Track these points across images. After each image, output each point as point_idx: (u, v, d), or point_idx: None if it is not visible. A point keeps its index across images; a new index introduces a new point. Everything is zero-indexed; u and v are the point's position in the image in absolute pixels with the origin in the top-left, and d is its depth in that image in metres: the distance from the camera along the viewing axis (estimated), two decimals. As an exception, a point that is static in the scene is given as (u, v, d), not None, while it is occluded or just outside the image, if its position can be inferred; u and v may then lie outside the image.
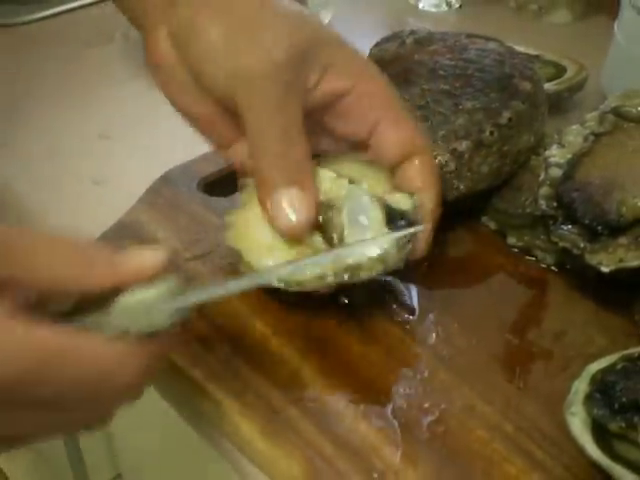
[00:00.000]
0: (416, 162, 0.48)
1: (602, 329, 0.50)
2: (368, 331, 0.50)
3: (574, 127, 0.52)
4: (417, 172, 0.48)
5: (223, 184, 0.63)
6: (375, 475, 0.42)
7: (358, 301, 0.50)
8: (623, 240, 0.47)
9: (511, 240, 0.55)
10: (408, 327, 0.50)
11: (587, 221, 0.48)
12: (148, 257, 0.37)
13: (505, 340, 0.49)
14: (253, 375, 0.47)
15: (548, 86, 0.70)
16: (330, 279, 0.46)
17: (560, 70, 0.74)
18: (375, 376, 0.47)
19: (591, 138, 0.52)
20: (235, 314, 0.51)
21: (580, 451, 0.42)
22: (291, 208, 0.46)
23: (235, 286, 0.40)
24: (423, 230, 0.48)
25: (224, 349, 0.48)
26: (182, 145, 0.70)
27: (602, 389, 0.43)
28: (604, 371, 0.44)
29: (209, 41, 0.45)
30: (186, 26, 0.46)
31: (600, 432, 0.42)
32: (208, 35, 0.45)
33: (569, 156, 0.50)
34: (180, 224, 0.58)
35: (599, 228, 0.47)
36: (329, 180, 0.49)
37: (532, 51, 0.75)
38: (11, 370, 0.32)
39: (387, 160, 0.49)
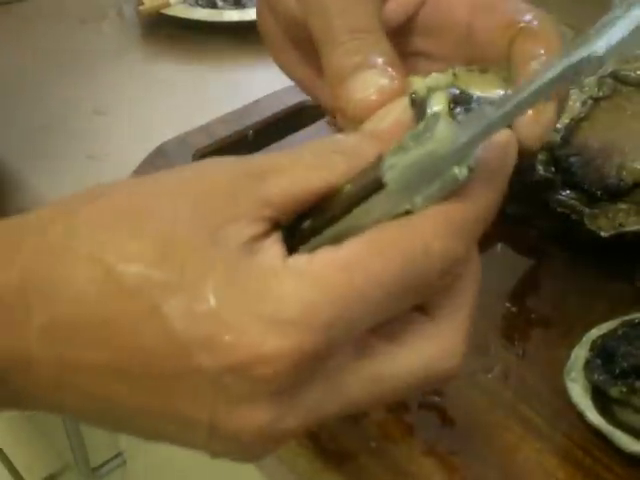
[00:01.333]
0: (528, 37, 0.36)
1: (602, 296, 0.49)
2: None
3: (572, 91, 0.51)
4: (531, 44, 0.35)
5: (218, 156, 0.62)
6: (372, 444, 0.41)
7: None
8: (623, 205, 0.46)
9: (510, 208, 0.55)
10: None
11: (586, 186, 0.47)
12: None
13: (504, 308, 0.49)
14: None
15: None
16: None
17: None
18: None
19: (589, 102, 0.51)
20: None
21: (580, 417, 0.42)
22: (375, 88, 0.35)
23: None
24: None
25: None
26: (178, 119, 0.69)
27: (602, 355, 0.43)
28: (604, 337, 0.44)
29: None
30: None
31: (600, 398, 0.42)
32: None
33: (567, 121, 0.50)
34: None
35: (598, 193, 0.47)
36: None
37: None
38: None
39: (482, 51, 0.38)
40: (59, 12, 0.90)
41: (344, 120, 0.37)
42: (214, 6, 0.85)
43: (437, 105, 0.35)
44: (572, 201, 0.47)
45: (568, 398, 0.42)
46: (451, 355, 0.30)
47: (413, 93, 0.35)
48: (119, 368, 0.26)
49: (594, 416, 0.41)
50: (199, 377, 0.26)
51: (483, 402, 0.44)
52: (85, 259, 0.26)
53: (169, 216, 0.27)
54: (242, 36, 0.83)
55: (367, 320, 0.27)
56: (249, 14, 0.83)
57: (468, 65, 0.39)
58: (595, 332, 0.44)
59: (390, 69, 0.36)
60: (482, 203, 0.29)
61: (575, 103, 0.51)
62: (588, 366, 0.42)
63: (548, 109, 0.34)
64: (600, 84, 0.52)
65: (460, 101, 0.36)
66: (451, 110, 0.35)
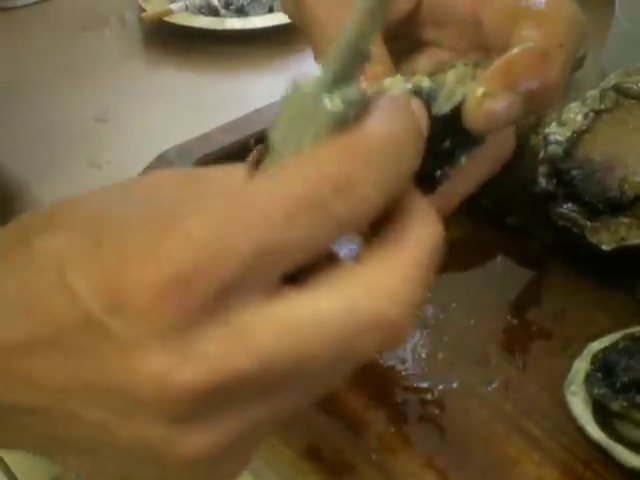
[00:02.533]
0: (532, 18, 0.33)
1: (603, 308, 0.49)
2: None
3: (574, 104, 0.51)
4: (532, 27, 0.32)
5: (219, 165, 0.62)
6: (373, 456, 0.41)
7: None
8: (624, 218, 0.46)
9: (511, 220, 0.55)
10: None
11: (588, 199, 0.47)
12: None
13: (505, 320, 0.49)
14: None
15: None
16: None
17: None
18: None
19: (591, 115, 0.51)
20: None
21: (580, 431, 0.42)
22: None
23: None
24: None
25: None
26: (179, 127, 0.69)
27: (603, 368, 0.43)
28: (605, 350, 0.43)
29: None
30: None
31: (601, 412, 0.42)
32: None
33: (569, 134, 0.50)
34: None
35: (600, 206, 0.47)
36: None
37: None
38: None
39: (491, 40, 0.35)
40: (61, 18, 0.90)
41: None
42: (216, 14, 0.85)
43: None
44: (573, 214, 0.47)
45: (569, 411, 0.42)
46: (384, 295, 0.24)
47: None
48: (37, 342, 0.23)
49: (594, 430, 0.41)
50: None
51: (483, 415, 0.43)
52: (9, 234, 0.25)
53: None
54: (244, 44, 0.83)
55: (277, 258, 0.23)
56: (251, 22, 0.83)
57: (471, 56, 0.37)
58: (596, 345, 0.44)
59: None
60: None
61: (577, 116, 0.51)
62: (589, 380, 0.42)
63: (499, 98, 0.30)
64: (602, 97, 0.52)
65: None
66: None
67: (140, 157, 0.63)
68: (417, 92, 0.31)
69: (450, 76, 0.32)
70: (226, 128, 0.65)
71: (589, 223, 0.47)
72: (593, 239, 0.46)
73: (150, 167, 0.62)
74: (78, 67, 0.81)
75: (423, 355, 0.47)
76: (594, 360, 0.43)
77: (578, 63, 0.72)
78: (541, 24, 0.32)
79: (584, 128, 0.50)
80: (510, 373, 0.46)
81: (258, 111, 0.67)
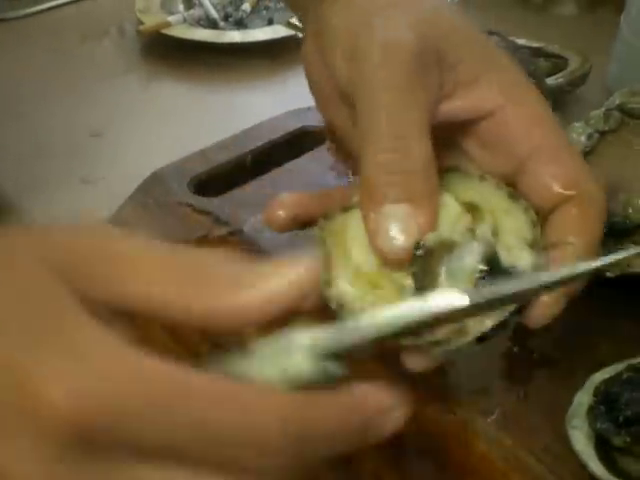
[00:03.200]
0: (573, 210, 0.38)
1: (607, 336, 0.48)
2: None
3: (577, 124, 0.50)
4: (572, 222, 0.38)
5: (215, 183, 0.61)
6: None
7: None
8: (630, 244, 0.45)
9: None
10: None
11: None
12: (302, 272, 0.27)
13: (505, 347, 0.47)
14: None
15: (550, 80, 0.68)
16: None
17: (563, 63, 0.71)
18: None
19: (595, 136, 0.49)
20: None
21: (583, 467, 0.40)
22: (398, 228, 0.36)
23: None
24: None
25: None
26: (176, 143, 0.68)
27: (606, 401, 0.41)
28: (608, 382, 0.42)
29: (331, 26, 0.40)
30: (319, 17, 0.41)
31: (604, 445, 0.40)
32: (330, 20, 0.40)
33: (572, 155, 0.48)
34: (168, 225, 0.56)
35: (604, 230, 0.45)
36: (451, 212, 0.38)
37: (535, 43, 0.73)
38: (117, 403, 0.23)
39: (537, 204, 0.39)
40: (59, 29, 0.89)
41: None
42: (215, 26, 0.84)
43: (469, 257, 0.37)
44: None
45: (570, 445, 0.41)
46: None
47: (419, 246, 0.36)
48: None
49: (597, 467, 0.39)
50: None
51: (482, 448, 0.42)
52: None
53: None
54: (244, 57, 0.82)
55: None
56: (251, 35, 0.82)
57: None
58: (598, 376, 0.43)
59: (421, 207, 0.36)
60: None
61: (581, 137, 0.50)
62: (591, 413, 0.41)
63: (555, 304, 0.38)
64: (607, 117, 0.50)
65: (492, 269, 0.36)
66: (479, 279, 0.36)
67: (135, 173, 0.62)
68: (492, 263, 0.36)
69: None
70: (223, 145, 0.64)
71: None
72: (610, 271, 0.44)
73: (144, 185, 0.61)
74: (75, 79, 0.80)
75: (415, 383, 0.45)
76: (597, 392, 0.42)
77: (581, 79, 0.71)
78: (580, 222, 0.38)
79: (588, 149, 0.49)
80: (510, 404, 0.44)
81: (256, 127, 0.66)
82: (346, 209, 0.39)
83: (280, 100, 0.73)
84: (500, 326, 0.36)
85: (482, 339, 0.37)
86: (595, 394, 0.42)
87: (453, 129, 0.40)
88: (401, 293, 0.37)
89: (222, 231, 0.55)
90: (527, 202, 0.38)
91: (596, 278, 0.45)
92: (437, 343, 0.36)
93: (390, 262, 0.36)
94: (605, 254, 0.44)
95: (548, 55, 0.73)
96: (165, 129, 0.74)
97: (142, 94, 0.79)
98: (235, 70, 0.82)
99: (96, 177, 0.66)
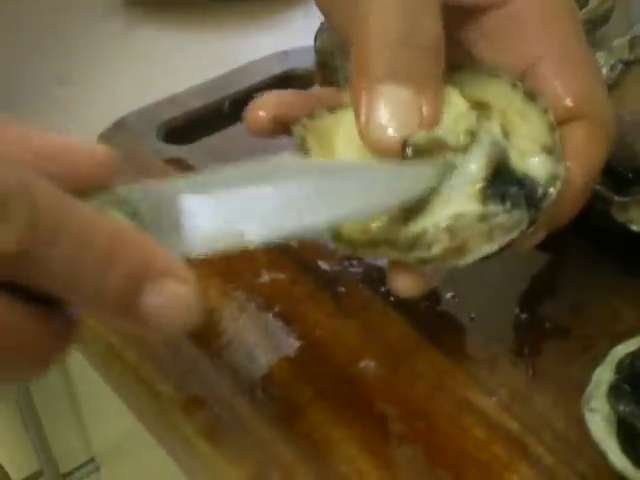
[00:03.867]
0: (580, 132, 0.33)
1: (631, 301, 0.41)
2: (345, 302, 0.41)
3: (599, 54, 0.43)
4: (577, 142, 0.33)
5: (187, 131, 0.54)
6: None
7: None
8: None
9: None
10: (392, 299, 0.41)
11: (615, 167, 0.38)
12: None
13: (511, 314, 0.40)
14: (199, 360, 0.38)
15: None
16: (386, 251, 0.32)
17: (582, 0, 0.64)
18: (348, 360, 0.38)
19: (619, 67, 0.42)
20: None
21: (601, 457, 0.33)
22: (394, 113, 0.31)
23: None
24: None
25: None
26: (151, 92, 0.61)
27: (631, 378, 0.34)
28: (634, 355, 0.35)
29: None
30: None
31: (627, 432, 0.34)
32: None
33: (593, 89, 0.41)
34: (133, 175, 0.49)
35: (629, 176, 0.38)
36: (454, 110, 0.33)
37: None
38: None
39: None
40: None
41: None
42: (201, -33, 0.77)
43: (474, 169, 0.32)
44: (597, 186, 0.38)
45: (587, 431, 0.34)
46: None
47: (409, 146, 0.31)
48: None
49: (618, 459, 0.32)
50: None
51: (481, 433, 0.35)
52: None
53: None
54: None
55: None
56: (238, -25, 0.74)
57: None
58: (622, 349, 0.36)
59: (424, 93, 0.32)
60: None
61: (602, 68, 0.42)
62: (613, 393, 0.34)
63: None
64: (632, 45, 0.43)
65: (500, 177, 0.32)
66: (484, 188, 0.31)
67: (105, 123, 0.56)
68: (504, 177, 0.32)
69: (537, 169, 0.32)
70: (197, 90, 0.57)
71: (616, 197, 0.38)
72: (621, 217, 0.37)
73: (106, 133, 0.54)
74: (49, 25, 0.73)
75: (408, 357, 0.38)
76: (620, 368, 0.35)
77: (603, 17, 0.63)
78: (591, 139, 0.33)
79: (610, 82, 0.42)
80: (517, 382, 0.37)
81: (236, 71, 0.59)
82: (333, 109, 0.35)
83: (270, 43, 0.66)
84: (505, 247, 0.32)
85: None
86: (618, 370, 0.35)
87: (457, 21, 0.35)
88: None
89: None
90: (545, 101, 0.33)
91: (618, 231, 0.38)
92: (429, 260, 0.31)
93: (379, 154, 0.32)
94: (631, 203, 0.37)
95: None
96: (142, 77, 0.67)
97: (120, 39, 0.72)
98: (222, 13, 0.75)
99: (62, 127, 0.60)
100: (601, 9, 0.64)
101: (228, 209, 0.27)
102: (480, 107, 0.34)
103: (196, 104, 0.56)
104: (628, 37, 0.44)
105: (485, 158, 0.31)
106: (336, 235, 0.31)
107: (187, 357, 0.38)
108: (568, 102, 0.33)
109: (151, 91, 0.60)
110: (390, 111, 0.31)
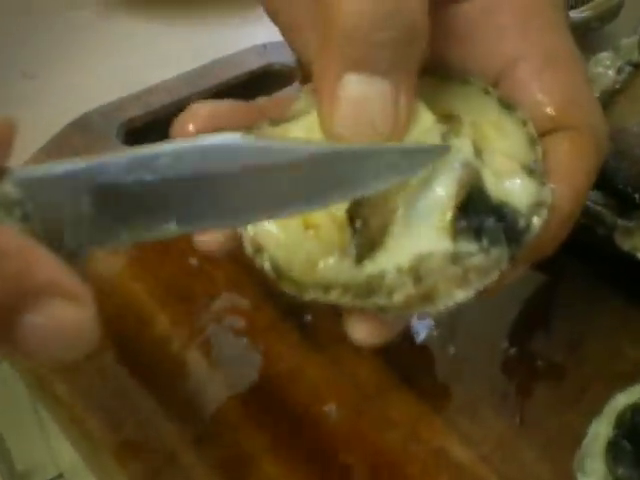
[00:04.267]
0: (564, 145, 0.28)
1: (634, 338, 0.36)
2: (312, 333, 0.36)
3: (604, 54, 0.38)
4: (562, 158, 0.28)
5: (152, 132, 0.49)
6: None
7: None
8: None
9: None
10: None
11: (620, 185, 0.34)
12: None
13: (499, 349, 0.36)
14: (137, 397, 0.34)
15: (574, 14, 0.57)
16: (338, 296, 0.26)
17: None
18: (310, 402, 0.33)
19: (627, 69, 0.37)
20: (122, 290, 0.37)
21: (596, 528, 0.28)
22: (368, 110, 0.26)
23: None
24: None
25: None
26: (126, 86, 0.57)
27: (632, 435, 0.30)
28: (636, 408, 0.30)
29: None
30: None
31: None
32: None
33: (597, 94, 0.36)
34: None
35: (636, 196, 0.33)
36: (420, 125, 0.28)
37: None
38: None
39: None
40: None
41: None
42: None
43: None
44: (599, 208, 0.34)
45: (581, 494, 0.29)
46: None
47: None
48: None
49: (617, 535, 0.27)
50: None
51: (459, 493, 0.31)
52: None
53: None
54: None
55: None
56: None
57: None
58: (622, 399, 0.31)
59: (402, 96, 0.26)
60: None
61: (608, 70, 0.37)
62: (611, 451, 0.29)
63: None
64: (643, 46, 0.38)
65: (474, 206, 0.26)
66: (455, 220, 0.26)
67: (68, 120, 0.51)
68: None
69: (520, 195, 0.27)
70: (164, 86, 0.53)
71: (620, 221, 0.33)
72: (624, 244, 0.33)
73: (63, 132, 0.49)
74: (16, 12, 0.69)
75: (378, 399, 0.34)
76: (619, 422, 0.30)
77: (611, 12, 0.58)
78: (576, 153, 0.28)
79: (617, 87, 0.37)
80: (501, 430, 0.33)
81: (207, 66, 0.54)
82: (277, 122, 0.29)
83: (252, 36, 0.62)
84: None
85: None
86: (617, 424, 0.30)
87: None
88: (343, 239, 0.27)
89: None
90: (524, 111, 0.28)
91: (622, 259, 0.33)
92: (391, 308, 0.26)
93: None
94: (637, 228, 0.32)
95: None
96: (113, 71, 0.62)
97: (93, 31, 0.68)
98: (204, 5, 0.70)
99: (24, 124, 0.55)
100: (608, 3, 0.59)
101: (147, 194, 0.22)
102: (449, 120, 0.28)
103: (161, 102, 0.51)
104: (638, 36, 0.39)
105: (455, 183, 0.26)
106: (279, 273, 0.27)
107: (123, 392, 0.34)
108: (550, 110, 0.28)
109: (122, 86, 0.56)
110: (360, 105, 0.26)
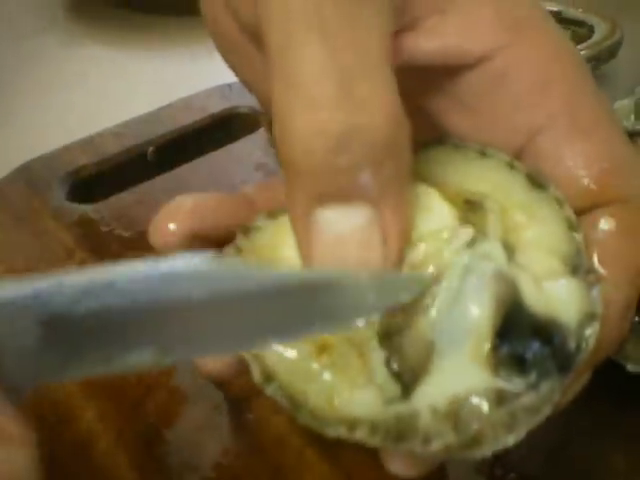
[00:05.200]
0: (610, 222, 0.24)
1: (624, 444, 0.32)
2: (253, 434, 0.32)
3: (624, 102, 0.33)
4: (608, 240, 0.24)
5: (98, 183, 0.45)
6: None
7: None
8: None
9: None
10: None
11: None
12: None
13: (467, 463, 0.31)
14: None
15: None
16: (366, 435, 0.22)
17: (587, 31, 0.58)
18: None
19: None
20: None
21: None
22: (350, 249, 0.22)
23: None
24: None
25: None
26: (84, 123, 0.53)
27: None
28: None
29: None
30: None
31: None
32: None
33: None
34: (19, 244, 0.41)
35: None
36: (438, 221, 0.24)
37: (553, 7, 0.60)
38: None
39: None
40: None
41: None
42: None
43: None
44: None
45: None
46: None
47: None
48: None
49: None
50: None
51: None
52: None
53: None
54: (182, 15, 0.66)
55: None
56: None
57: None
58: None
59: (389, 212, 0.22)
60: None
61: (630, 116, 0.33)
62: None
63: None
64: (638, 108, 0.34)
65: (512, 326, 0.22)
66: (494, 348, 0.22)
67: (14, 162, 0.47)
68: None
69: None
70: (119, 131, 0.48)
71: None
72: (617, 354, 0.28)
73: (5, 182, 0.45)
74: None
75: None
76: None
77: (609, 52, 0.55)
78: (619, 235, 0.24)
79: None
80: None
81: (167, 107, 0.50)
82: (274, 215, 0.26)
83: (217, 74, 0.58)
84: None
85: None
86: None
87: (421, 85, 0.26)
88: (366, 365, 0.23)
89: (84, 255, 0.39)
90: (557, 190, 0.24)
91: (611, 370, 0.29)
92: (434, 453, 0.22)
93: None
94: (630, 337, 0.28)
95: (568, 22, 0.60)
96: (72, 107, 0.58)
97: (54, 59, 0.64)
98: (171, 31, 0.66)
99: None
100: (607, 42, 0.56)
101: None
102: (469, 207, 0.24)
103: (115, 148, 0.47)
104: (634, 97, 0.34)
105: (491, 302, 0.22)
106: (295, 405, 0.23)
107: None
108: (587, 182, 0.24)
109: (73, 128, 0.52)
110: (338, 246, 0.22)
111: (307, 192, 0.22)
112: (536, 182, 0.24)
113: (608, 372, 0.31)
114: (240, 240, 0.25)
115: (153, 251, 0.40)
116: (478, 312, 0.22)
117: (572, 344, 0.22)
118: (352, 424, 0.22)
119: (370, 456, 0.31)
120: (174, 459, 0.31)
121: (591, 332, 0.22)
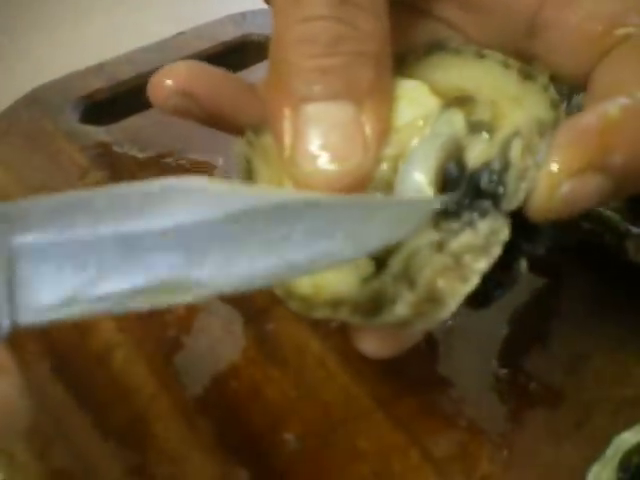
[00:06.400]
0: (633, 52, 0.25)
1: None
2: (272, 345, 0.32)
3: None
4: (632, 70, 0.25)
5: (110, 107, 0.45)
6: None
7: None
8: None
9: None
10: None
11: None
12: None
13: (487, 369, 0.31)
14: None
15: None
16: (348, 314, 0.23)
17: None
18: (266, 428, 0.29)
19: None
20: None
21: None
22: (333, 142, 0.24)
23: None
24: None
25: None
26: (91, 53, 0.52)
27: (640, 481, 0.25)
28: (644, 450, 0.26)
29: None
30: None
31: None
32: None
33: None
34: (33, 164, 0.40)
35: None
36: (415, 100, 0.26)
37: None
38: None
39: (570, 72, 0.26)
40: None
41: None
42: None
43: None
44: (608, 213, 0.29)
45: None
46: None
47: None
48: None
49: None
50: None
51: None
52: None
53: None
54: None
55: None
56: None
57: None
58: (628, 437, 0.27)
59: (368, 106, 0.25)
60: None
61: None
62: (615, 502, 0.25)
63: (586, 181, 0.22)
64: None
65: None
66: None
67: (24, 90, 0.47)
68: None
69: (516, 148, 0.23)
70: (132, 57, 0.48)
71: (633, 229, 0.29)
72: (636, 256, 0.28)
73: (12, 109, 0.45)
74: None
75: (355, 422, 0.30)
76: (624, 463, 0.26)
77: None
78: None
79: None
80: (486, 466, 0.28)
81: (180, 35, 0.49)
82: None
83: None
84: (498, 279, 0.24)
85: (482, 302, 0.25)
86: (623, 467, 0.26)
87: None
88: None
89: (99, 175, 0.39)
90: (546, 77, 0.26)
91: (630, 269, 0.29)
92: (401, 324, 0.23)
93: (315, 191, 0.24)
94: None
95: None
96: (83, 36, 0.57)
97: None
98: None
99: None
100: None
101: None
102: (461, 102, 0.26)
103: (126, 74, 0.46)
104: None
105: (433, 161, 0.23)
106: (289, 293, 0.24)
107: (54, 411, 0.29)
108: (600, 27, 0.25)
109: (84, 57, 0.51)
110: (322, 137, 0.24)
111: (297, 89, 0.24)
112: (527, 75, 0.26)
113: (633, 283, 0.31)
114: (250, 135, 0.27)
115: (167, 172, 0.40)
116: (422, 175, 0.24)
117: (501, 188, 0.23)
118: (335, 305, 0.23)
119: (391, 366, 0.31)
120: (193, 368, 0.31)
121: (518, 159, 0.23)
